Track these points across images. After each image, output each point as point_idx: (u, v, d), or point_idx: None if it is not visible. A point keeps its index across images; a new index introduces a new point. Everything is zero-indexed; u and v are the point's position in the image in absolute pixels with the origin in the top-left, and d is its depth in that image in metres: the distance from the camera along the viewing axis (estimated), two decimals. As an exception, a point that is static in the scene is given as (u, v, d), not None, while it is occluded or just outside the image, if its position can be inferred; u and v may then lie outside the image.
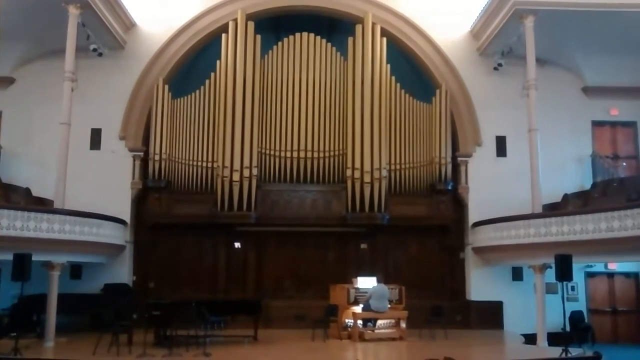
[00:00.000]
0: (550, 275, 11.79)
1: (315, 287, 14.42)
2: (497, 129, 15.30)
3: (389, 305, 12.23)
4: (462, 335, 13.02)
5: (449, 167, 14.94)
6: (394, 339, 12.07)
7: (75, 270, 13.89)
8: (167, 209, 14.60)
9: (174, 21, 15.29)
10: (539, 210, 12.69)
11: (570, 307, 13.60)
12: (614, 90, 15.60)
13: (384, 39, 15.24)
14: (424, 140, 15.24)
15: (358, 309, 12.16)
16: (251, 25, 14.97)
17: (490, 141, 15.31)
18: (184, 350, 10.31)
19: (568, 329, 12.13)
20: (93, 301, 13.10)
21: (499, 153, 15.28)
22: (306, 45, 15.30)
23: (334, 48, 15.41)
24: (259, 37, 15.07)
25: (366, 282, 12.57)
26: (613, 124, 16.02)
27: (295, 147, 14.78)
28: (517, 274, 14.72)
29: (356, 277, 12.93)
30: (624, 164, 15.79)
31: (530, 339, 12.33)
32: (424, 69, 15.74)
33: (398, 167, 14.98)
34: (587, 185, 14.56)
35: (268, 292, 14.77)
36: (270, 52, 15.36)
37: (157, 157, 14.53)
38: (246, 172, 14.33)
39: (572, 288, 14.78)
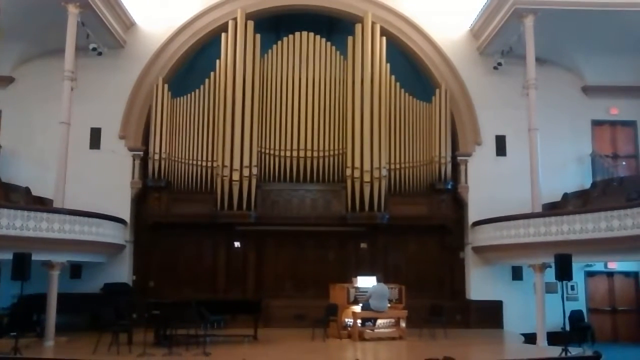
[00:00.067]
0: (550, 274, 11.79)
1: (315, 286, 14.44)
2: (497, 129, 15.30)
3: (388, 305, 12.23)
4: (461, 335, 13.03)
5: (449, 166, 14.94)
6: (393, 339, 12.08)
7: (75, 270, 13.88)
8: (166, 209, 14.59)
9: (174, 20, 15.28)
10: (538, 209, 12.69)
11: (570, 306, 13.59)
12: (614, 89, 15.59)
13: (384, 39, 15.23)
14: (423, 139, 15.24)
15: (358, 308, 12.16)
16: (251, 24, 14.96)
17: (490, 140, 15.31)
18: (184, 349, 10.31)
19: (568, 328, 12.13)
20: (93, 301, 13.10)
21: (499, 152, 15.28)
22: (306, 45, 15.29)
23: (333, 47, 15.40)
24: (258, 36, 15.06)
25: (366, 282, 12.57)
26: (613, 124, 16.02)
27: (295, 146, 14.77)
28: (517, 274, 14.72)
29: (356, 276, 12.92)
30: (624, 163, 15.80)
31: (530, 338, 12.32)
32: (424, 68, 15.74)
33: (398, 166, 14.97)
34: (587, 185, 14.55)
35: (268, 292, 14.78)
36: (270, 51, 15.35)
37: (156, 157, 14.52)
38: (246, 172, 14.33)
39: (572, 287, 14.78)
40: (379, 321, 12.35)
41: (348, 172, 14.54)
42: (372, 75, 14.93)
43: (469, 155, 15.26)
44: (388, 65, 15.19)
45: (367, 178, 14.41)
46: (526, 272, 14.07)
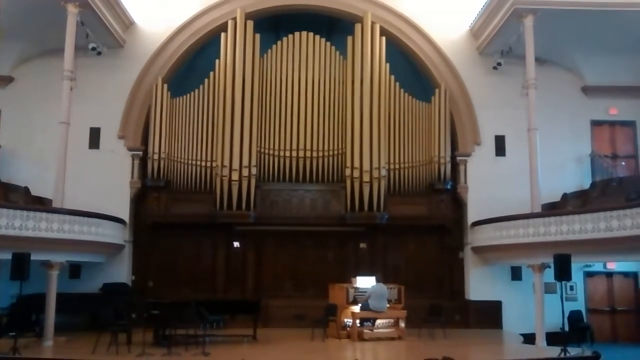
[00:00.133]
0: (549, 274, 11.78)
1: (314, 286, 14.43)
2: (497, 129, 15.30)
3: (387, 305, 12.23)
4: (461, 335, 13.03)
5: (448, 166, 14.94)
6: (393, 339, 12.08)
7: (74, 270, 13.87)
8: (166, 209, 14.59)
9: (173, 20, 15.27)
10: (538, 209, 12.70)
11: (569, 306, 13.57)
12: (613, 89, 15.59)
13: (384, 38, 15.23)
14: (423, 139, 15.24)
15: (357, 308, 12.16)
16: (250, 24, 14.96)
17: (489, 140, 15.31)
18: (183, 349, 10.31)
19: (567, 328, 12.11)
20: (92, 301, 13.10)
21: (498, 152, 15.28)
22: (305, 45, 15.29)
23: (333, 47, 15.40)
24: (258, 36, 15.05)
25: (365, 282, 12.56)
26: (612, 124, 16.01)
27: (294, 146, 14.77)
28: (516, 274, 14.72)
29: (355, 276, 12.92)
30: (623, 163, 15.79)
31: (529, 338, 12.34)
32: (424, 68, 15.73)
33: (397, 166, 14.97)
34: (586, 185, 14.56)
35: (267, 292, 14.78)
36: (269, 51, 15.34)
37: (156, 157, 14.52)
38: (245, 172, 14.33)
39: (571, 287, 14.78)
40: (378, 321, 12.35)
41: (347, 172, 14.54)
42: (371, 75, 14.93)
43: (469, 155, 15.26)
44: (388, 65, 15.19)
45: (366, 178, 14.41)
46: (525, 272, 14.07)
